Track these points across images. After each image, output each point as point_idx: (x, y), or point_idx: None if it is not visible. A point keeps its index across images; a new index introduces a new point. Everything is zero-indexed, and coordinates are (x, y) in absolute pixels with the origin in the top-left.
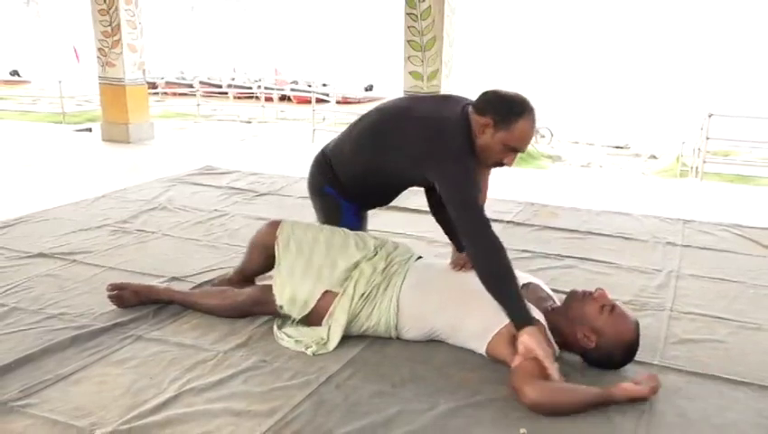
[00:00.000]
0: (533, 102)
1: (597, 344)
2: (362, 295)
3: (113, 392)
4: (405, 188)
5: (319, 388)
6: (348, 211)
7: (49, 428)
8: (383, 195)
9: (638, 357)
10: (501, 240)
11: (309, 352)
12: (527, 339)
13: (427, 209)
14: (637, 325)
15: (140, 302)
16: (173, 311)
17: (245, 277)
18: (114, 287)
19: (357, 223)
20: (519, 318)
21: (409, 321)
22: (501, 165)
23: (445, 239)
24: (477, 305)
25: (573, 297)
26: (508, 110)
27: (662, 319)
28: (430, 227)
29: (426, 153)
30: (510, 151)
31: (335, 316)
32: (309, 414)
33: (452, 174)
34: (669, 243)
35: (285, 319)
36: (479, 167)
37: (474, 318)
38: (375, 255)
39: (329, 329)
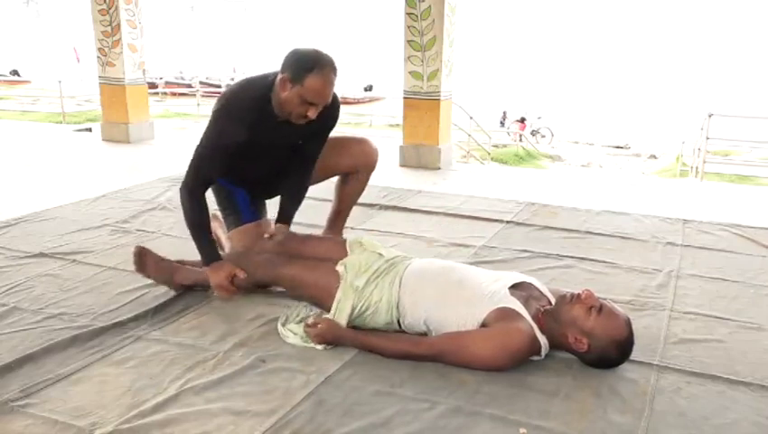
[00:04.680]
0: (332, 59)
1: (589, 346)
2: (365, 281)
3: (113, 392)
4: (262, 164)
5: (318, 388)
6: (239, 195)
7: (49, 427)
8: (254, 177)
9: (637, 357)
10: (198, 201)
11: (320, 347)
12: (208, 273)
13: (428, 209)
14: (628, 322)
15: (155, 277)
16: (173, 311)
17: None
18: (142, 251)
19: (251, 208)
20: (204, 259)
21: (409, 300)
22: (306, 117)
23: (445, 239)
24: (467, 301)
25: (562, 300)
26: (299, 66)
27: (662, 319)
28: (430, 227)
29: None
30: (308, 104)
31: (339, 305)
32: (308, 414)
33: (207, 127)
34: (669, 243)
35: (289, 316)
36: (281, 125)
37: (462, 311)
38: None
39: (334, 315)
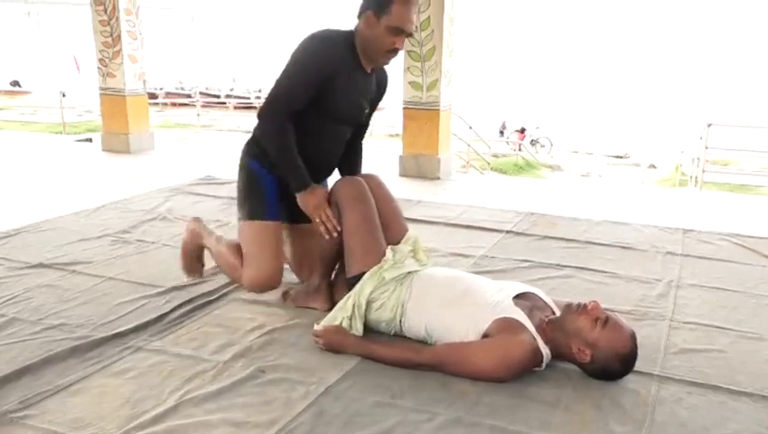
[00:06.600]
0: None
1: (592, 358)
2: (393, 278)
3: (112, 403)
4: (329, 136)
5: (318, 398)
6: (269, 186)
7: None
8: (316, 152)
9: (638, 367)
10: (282, 123)
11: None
12: (304, 197)
13: (428, 219)
14: (633, 336)
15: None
16: (172, 321)
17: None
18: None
19: (277, 206)
20: (297, 183)
21: (413, 304)
22: (395, 51)
23: (445, 249)
24: (470, 310)
25: (568, 309)
26: None
27: (662, 329)
28: (430, 237)
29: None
30: (397, 34)
31: (363, 284)
32: (308, 425)
33: (292, 58)
34: (668, 253)
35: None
36: (370, 71)
37: (464, 320)
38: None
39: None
